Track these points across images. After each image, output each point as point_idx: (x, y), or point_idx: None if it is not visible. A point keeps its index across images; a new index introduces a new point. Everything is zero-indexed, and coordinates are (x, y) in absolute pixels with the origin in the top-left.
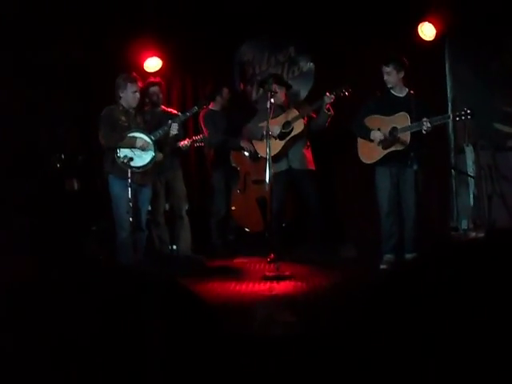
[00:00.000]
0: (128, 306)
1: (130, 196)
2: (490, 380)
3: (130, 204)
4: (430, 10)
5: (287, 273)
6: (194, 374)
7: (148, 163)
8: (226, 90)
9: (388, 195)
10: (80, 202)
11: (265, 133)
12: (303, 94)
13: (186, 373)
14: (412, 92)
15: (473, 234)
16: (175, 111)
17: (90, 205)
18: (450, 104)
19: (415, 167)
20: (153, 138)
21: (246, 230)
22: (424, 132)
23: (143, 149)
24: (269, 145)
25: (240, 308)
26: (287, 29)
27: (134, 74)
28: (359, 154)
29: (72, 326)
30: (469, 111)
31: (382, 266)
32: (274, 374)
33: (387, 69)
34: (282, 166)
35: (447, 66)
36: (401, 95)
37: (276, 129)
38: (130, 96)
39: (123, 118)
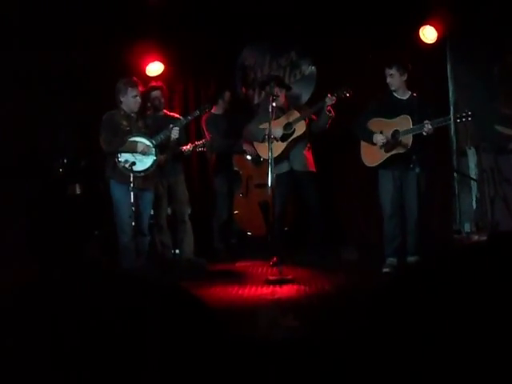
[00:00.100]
0: (130, 311)
1: (132, 200)
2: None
3: (133, 208)
4: (431, 13)
5: (290, 276)
6: (196, 379)
7: (149, 167)
8: (227, 94)
9: (391, 198)
10: (82, 206)
11: (267, 135)
12: (305, 97)
13: (189, 377)
14: (415, 95)
15: (475, 237)
16: (177, 115)
17: (92, 209)
18: (451, 107)
19: (417, 170)
20: (154, 142)
21: (249, 233)
22: (425, 134)
23: (144, 153)
24: (271, 149)
25: (242, 312)
26: (288, 33)
27: (135, 78)
28: (362, 157)
29: (73, 330)
30: (469, 113)
31: (385, 270)
32: (277, 378)
33: (390, 71)
34: (284, 167)
35: (449, 68)
36: (403, 98)
37: (278, 131)
38: (130, 100)
39: (124, 123)
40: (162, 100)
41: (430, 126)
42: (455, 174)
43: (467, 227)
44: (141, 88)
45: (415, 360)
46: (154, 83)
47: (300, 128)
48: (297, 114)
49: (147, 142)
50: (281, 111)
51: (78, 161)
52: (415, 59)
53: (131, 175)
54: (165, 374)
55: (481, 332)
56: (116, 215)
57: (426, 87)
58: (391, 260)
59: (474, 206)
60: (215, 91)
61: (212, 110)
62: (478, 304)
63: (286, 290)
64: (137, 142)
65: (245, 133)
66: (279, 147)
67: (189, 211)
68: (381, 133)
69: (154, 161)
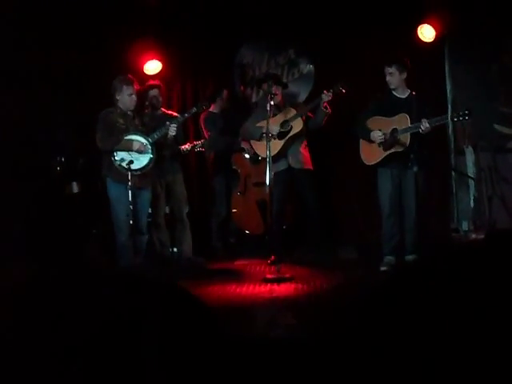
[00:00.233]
0: (128, 309)
1: (130, 199)
2: (491, 380)
3: (130, 207)
4: (429, 12)
5: (288, 275)
6: (194, 377)
7: (145, 166)
8: (225, 92)
9: (389, 197)
10: (80, 205)
11: (263, 131)
12: (303, 95)
13: (187, 376)
14: (414, 93)
15: (473, 236)
16: (175, 114)
17: (90, 208)
18: (449, 106)
19: (415, 169)
20: (150, 140)
21: (247, 232)
22: (421, 132)
23: (140, 152)
24: (269, 147)
25: (241, 310)
26: (287, 31)
27: (130, 76)
28: (361, 155)
29: (71, 329)
30: (466, 112)
31: (383, 268)
32: (275, 377)
33: (390, 70)
34: (282, 165)
35: (447, 67)
36: (402, 96)
37: (275, 128)
38: (126, 98)
39: (121, 121)
40: (160, 98)
41: (427, 125)
42: (453, 173)
43: (465, 226)
44: (136, 86)
45: (413, 358)
46: (152, 82)
47: (297, 125)
48: (293, 112)
49: (143, 141)
50: (277, 109)
51: (76, 159)
52: (413, 58)
53: (129, 174)
54: (163, 372)
55: (479, 330)
56: (113, 214)
57: (424, 86)
58: (389, 258)
59: (472, 205)
60: (213, 90)
61: (210, 109)
62: (476, 302)
63: (283, 289)
64: (132, 140)
65: (242, 131)
66: (277, 145)
67: (187, 210)
68: (379, 131)
69: (151, 159)
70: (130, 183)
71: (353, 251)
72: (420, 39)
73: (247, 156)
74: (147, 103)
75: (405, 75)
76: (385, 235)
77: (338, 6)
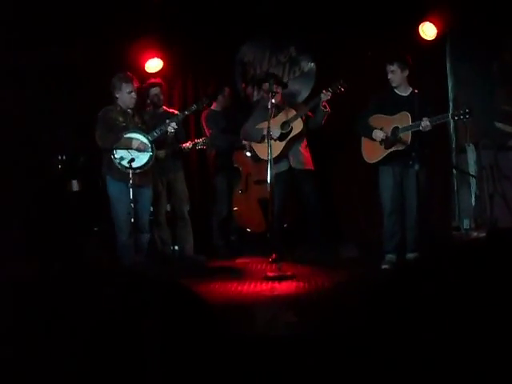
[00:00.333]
0: (130, 307)
1: (131, 197)
2: (491, 379)
3: (132, 205)
4: (430, 10)
5: (289, 273)
6: (196, 375)
7: (145, 164)
8: (227, 90)
9: (391, 195)
10: (81, 203)
11: (265, 133)
12: (304, 94)
13: (188, 373)
14: (416, 91)
15: (474, 234)
16: (177, 112)
17: (91, 206)
18: (451, 103)
19: (417, 167)
20: (150, 138)
21: (248, 230)
22: (421, 129)
23: (140, 150)
24: (270, 145)
25: (242, 308)
26: (288, 29)
27: (129, 73)
28: (363, 153)
29: (73, 327)
30: (467, 110)
31: (384, 266)
32: (277, 374)
33: (391, 67)
34: (283, 166)
35: (448, 65)
36: (404, 94)
37: (275, 130)
38: (125, 96)
39: (121, 119)
40: (162, 97)
41: (427, 123)
42: (454, 171)
43: (466, 224)
44: (136, 83)
45: (414, 355)
46: (153, 80)
47: (297, 126)
48: (293, 112)
49: (143, 139)
50: (277, 109)
51: (77, 158)
52: (415, 56)
53: (130, 172)
54: (165, 370)
55: (480, 327)
56: (113, 213)
57: (426, 84)
58: (390, 256)
59: (473, 203)
60: (215, 87)
61: (212, 107)
62: (477, 300)
63: (285, 287)
64: (132, 138)
65: (242, 133)
66: (278, 147)
67: (188, 208)
68: (381, 129)
69: (150, 157)
70: (131, 181)
71: (354, 249)
72: (421, 37)
73: (248, 154)
74: (149, 101)
75: (406, 73)
76: (386, 233)
77: (340, 3)
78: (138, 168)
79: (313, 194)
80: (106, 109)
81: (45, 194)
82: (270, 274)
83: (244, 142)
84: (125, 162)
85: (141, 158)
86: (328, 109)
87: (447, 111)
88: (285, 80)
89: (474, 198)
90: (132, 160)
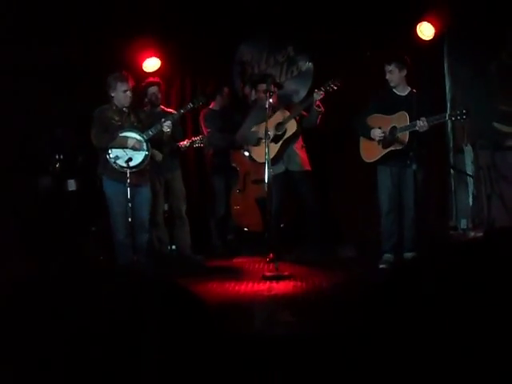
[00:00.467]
0: (127, 307)
1: (128, 197)
2: (490, 380)
3: (129, 204)
4: (428, 10)
5: (286, 273)
6: (193, 375)
7: (140, 163)
8: (226, 90)
9: (389, 194)
10: (79, 202)
11: (260, 136)
12: (302, 93)
13: (185, 373)
14: (414, 91)
15: (472, 234)
16: (174, 111)
17: (89, 205)
18: (448, 103)
19: (414, 167)
20: (145, 137)
21: (246, 229)
22: (417, 129)
23: (135, 149)
24: (267, 146)
25: (239, 308)
26: (286, 28)
27: (125, 72)
28: (361, 153)
29: (69, 326)
30: (464, 111)
31: (382, 266)
32: (274, 374)
33: (389, 67)
34: (279, 168)
35: (446, 65)
36: (403, 94)
37: (270, 132)
38: (121, 95)
39: (116, 118)
40: (159, 96)
41: (424, 123)
42: (452, 171)
43: (463, 224)
44: (131, 82)
45: (412, 355)
46: (151, 79)
47: (291, 127)
48: (287, 113)
49: (138, 137)
50: (272, 110)
51: (75, 157)
52: (412, 56)
53: (127, 171)
54: (162, 370)
55: (478, 328)
56: (110, 212)
57: (424, 84)
58: (388, 256)
59: (471, 203)
60: (213, 87)
61: (210, 106)
62: (475, 300)
63: (282, 286)
64: (127, 137)
65: (238, 137)
66: (273, 149)
67: (185, 207)
68: (379, 129)
69: (146, 156)
70: (128, 181)
71: (352, 249)
72: (419, 37)
73: (246, 154)
74: (146, 100)
75: (404, 73)
76: (384, 233)
77: (338, 3)
78: (133, 167)
79: (310, 194)
80: (102, 108)
81: (43, 194)
82: (268, 274)
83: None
84: (120, 162)
85: (136, 157)
86: (322, 108)
87: (445, 111)
88: (282, 80)
89: (471, 198)
90: (129, 159)
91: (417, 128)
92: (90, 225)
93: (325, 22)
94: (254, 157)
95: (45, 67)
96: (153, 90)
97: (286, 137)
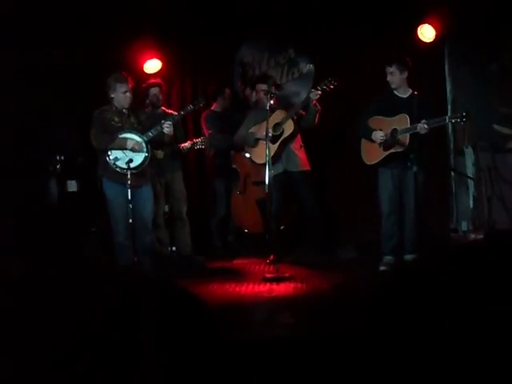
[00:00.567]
0: (127, 308)
1: (129, 198)
2: (490, 380)
3: (130, 206)
4: (429, 12)
5: (287, 274)
6: (193, 375)
7: (140, 164)
8: (227, 91)
9: (389, 196)
10: (80, 203)
11: (257, 137)
12: (303, 95)
13: (185, 374)
14: (415, 93)
15: (472, 236)
16: (176, 113)
17: (89, 206)
18: (449, 105)
19: (415, 169)
20: (145, 138)
21: (246, 231)
22: (418, 131)
23: (134, 150)
24: (268, 147)
25: (239, 309)
26: (287, 30)
27: (124, 73)
28: (362, 155)
29: (70, 327)
30: (464, 114)
31: (382, 268)
32: (274, 376)
33: (390, 69)
34: (278, 169)
35: (446, 67)
36: (404, 96)
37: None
38: (120, 97)
39: (116, 119)
40: (161, 97)
41: (424, 126)
42: (452, 173)
43: (464, 226)
44: (131, 83)
45: (412, 357)
46: (152, 80)
47: (288, 128)
48: (284, 114)
49: (138, 139)
50: (270, 111)
51: (76, 158)
52: (413, 58)
53: (128, 173)
54: (162, 370)
55: (478, 329)
56: (110, 214)
57: (424, 86)
58: (388, 258)
59: (471, 205)
60: (215, 88)
61: (212, 108)
62: (475, 302)
63: (282, 288)
64: (127, 138)
65: (236, 139)
66: (271, 149)
67: (186, 208)
68: (380, 131)
69: (146, 157)
70: (129, 182)
71: (352, 251)
72: (420, 39)
73: (247, 155)
74: (147, 102)
75: (405, 74)
76: (384, 235)
77: (339, 5)
78: (133, 169)
79: (309, 194)
80: (101, 109)
81: (43, 194)
82: (268, 276)
83: None
84: (120, 163)
85: (136, 158)
86: (319, 107)
87: (445, 113)
88: (283, 81)
89: (471, 200)
90: (130, 161)
91: (417, 130)
92: (90, 225)
93: (326, 24)
94: (252, 157)
95: (46, 68)
96: (154, 91)
97: (283, 137)
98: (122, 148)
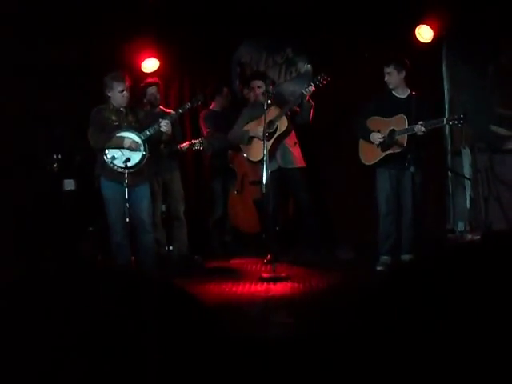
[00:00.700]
0: (125, 308)
1: (126, 197)
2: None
3: (127, 205)
4: (427, 13)
5: (284, 274)
6: (190, 376)
7: (137, 163)
8: (225, 90)
9: (387, 196)
10: (77, 202)
11: (251, 134)
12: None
13: (183, 374)
14: (414, 93)
15: (469, 236)
16: (173, 112)
17: (86, 205)
18: (447, 106)
19: (412, 169)
20: (142, 137)
21: (243, 231)
22: (415, 132)
23: (132, 149)
24: (259, 145)
25: (236, 309)
26: (285, 30)
27: (121, 72)
28: (360, 155)
29: (68, 327)
30: (461, 116)
31: (379, 268)
32: (270, 376)
33: (388, 69)
34: (273, 166)
35: (444, 68)
36: (402, 96)
37: (260, 130)
38: (117, 95)
39: (113, 118)
40: (158, 96)
41: (422, 128)
42: (449, 174)
43: (461, 226)
44: (128, 82)
45: (409, 357)
46: (150, 79)
47: (282, 124)
48: (277, 110)
49: (135, 138)
50: (263, 109)
51: (73, 157)
52: (411, 58)
53: (125, 172)
54: (160, 371)
55: (475, 330)
56: (107, 214)
57: (422, 86)
58: (385, 258)
59: (468, 206)
60: (212, 87)
61: (210, 107)
62: (472, 303)
63: (279, 288)
64: (124, 137)
65: (230, 137)
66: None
67: (183, 208)
68: (378, 131)
69: (143, 156)
70: (126, 181)
71: (349, 251)
72: (418, 40)
73: (245, 155)
74: (145, 101)
75: (403, 75)
76: (381, 235)
77: (336, 5)
78: (130, 168)
79: (305, 193)
80: (99, 108)
81: (40, 194)
82: (265, 275)
83: None
84: (117, 162)
85: (133, 157)
86: (312, 103)
87: (443, 114)
88: (281, 81)
89: (468, 201)
90: (127, 160)
91: (415, 132)
92: (87, 224)
93: (324, 24)
94: (247, 155)
95: (44, 67)
96: (152, 90)
97: (277, 134)
98: (120, 147)
